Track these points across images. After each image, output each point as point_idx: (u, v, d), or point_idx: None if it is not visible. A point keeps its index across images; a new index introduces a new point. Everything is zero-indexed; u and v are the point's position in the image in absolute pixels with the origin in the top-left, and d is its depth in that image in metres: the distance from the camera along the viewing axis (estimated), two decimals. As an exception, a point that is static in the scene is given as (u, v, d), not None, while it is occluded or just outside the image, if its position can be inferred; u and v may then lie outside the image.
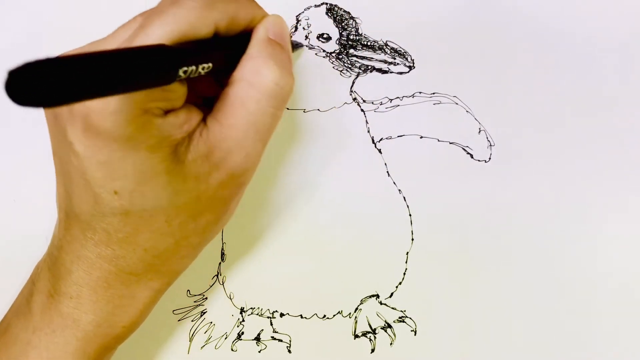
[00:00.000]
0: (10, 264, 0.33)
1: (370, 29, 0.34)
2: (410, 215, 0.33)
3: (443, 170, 0.34)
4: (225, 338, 0.34)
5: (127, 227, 0.25)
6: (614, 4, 0.34)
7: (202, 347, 0.34)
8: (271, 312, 0.34)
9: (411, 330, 0.33)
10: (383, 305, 0.33)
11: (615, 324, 0.33)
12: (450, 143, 0.34)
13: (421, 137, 0.34)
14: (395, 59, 0.34)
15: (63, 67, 0.15)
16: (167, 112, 0.24)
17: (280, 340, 0.34)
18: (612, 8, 0.34)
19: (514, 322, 0.33)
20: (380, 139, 0.34)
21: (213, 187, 0.25)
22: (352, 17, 0.34)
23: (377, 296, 0.34)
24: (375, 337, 0.33)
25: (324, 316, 0.33)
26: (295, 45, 0.33)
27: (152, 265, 0.26)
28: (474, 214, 0.33)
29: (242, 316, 0.34)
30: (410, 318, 0.33)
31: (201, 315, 0.34)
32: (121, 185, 0.23)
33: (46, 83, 0.15)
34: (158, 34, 0.22)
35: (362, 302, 0.34)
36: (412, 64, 0.34)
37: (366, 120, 0.34)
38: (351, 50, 0.33)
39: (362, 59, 0.34)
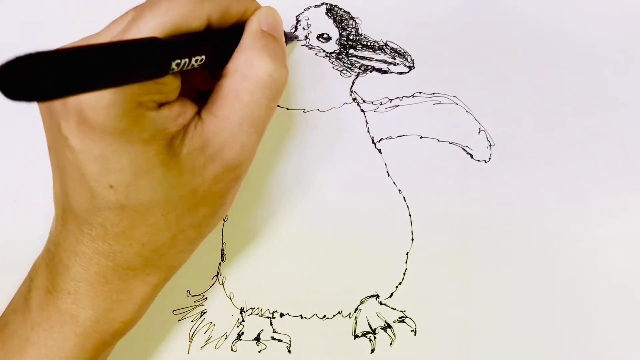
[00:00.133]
0: (10, 264, 0.33)
1: (370, 29, 0.34)
2: (410, 215, 0.33)
3: (443, 170, 0.34)
4: (225, 338, 0.34)
5: (124, 221, 0.25)
6: (614, 4, 0.34)
7: (202, 347, 0.34)
8: (271, 312, 0.34)
9: (411, 330, 0.33)
10: (383, 305, 0.33)
11: (615, 324, 0.33)
12: (450, 143, 0.34)
13: (421, 137, 0.34)
14: (395, 59, 0.34)
15: (55, 61, 0.15)
16: (161, 105, 0.24)
17: (280, 341, 0.34)
18: (612, 8, 0.34)
19: (514, 322, 0.33)
20: (380, 139, 0.34)
21: (209, 180, 0.25)
22: (352, 17, 0.34)
23: (377, 296, 0.33)
24: (375, 337, 0.33)
25: (324, 316, 0.33)
26: (289, 38, 0.33)
27: (149, 259, 0.26)
28: (474, 214, 0.33)
29: (242, 316, 0.34)
30: (410, 318, 0.33)
31: (201, 315, 0.34)
32: (117, 179, 0.23)
33: (38, 77, 0.15)
34: (150, 27, 0.22)
35: (362, 302, 0.34)
36: (412, 64, 0.34)
37: (366, 120, 0.34)
38: (351, 50, 0.33)
39: (362, 59, 0.34)
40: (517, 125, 0.34)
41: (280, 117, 0.34)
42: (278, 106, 0.33)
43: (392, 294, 0.33)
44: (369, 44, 0.34)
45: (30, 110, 0.33)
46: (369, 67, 0.34)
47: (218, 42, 0.25)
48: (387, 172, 0.34)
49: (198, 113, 0.26)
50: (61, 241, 0.26)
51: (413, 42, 0.34)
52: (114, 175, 0.23)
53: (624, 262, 0.33)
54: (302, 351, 0.33)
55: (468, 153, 0.34)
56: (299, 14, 0.34)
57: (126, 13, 0.24)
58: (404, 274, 0.33)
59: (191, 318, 0.34)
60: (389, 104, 0.34)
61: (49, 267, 0.27)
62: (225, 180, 0.26)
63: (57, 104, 0.23)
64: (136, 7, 0.24)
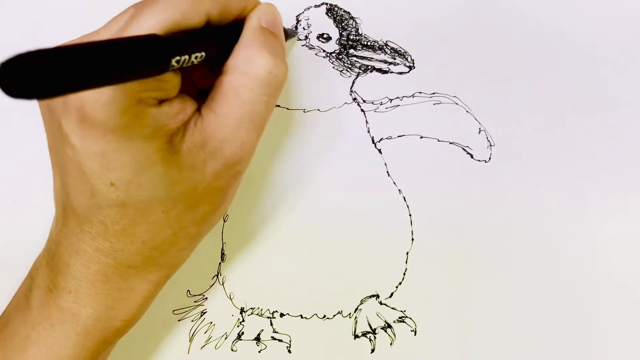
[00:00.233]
0: (10, 264, 0.33)
1: (370, 29, 0.34)
2: (410, 215, 0.33)
3: (443, 170, 0.34)
4: (225, 338, 0.34)
5: (124, 219, 0.25)
6: (614, 4, 0.34)
7: (202, 347, 0.34)
8: (271, 312, 0.34)
9: (411, 330, 0.33)
10: (383, 305, 0.33)
11: (615, 324, 0.33)
12: (450, 143, 0.34)
13: (421, 137, 0.34)
14: (395, 59, 0.34)
15: (55, 59, 0.15)
16: (161, 102, 0.24)
17: (280, 341, 0.34)
18: (612, 8, 0.34)
19: (514, 322, 0.33)
20: (380, 139, 0.34)
21: (209, 176, 0.25)
22: (352, 17, 0.34)
23: (377, 296, 0.33)
24: (375, 337, 0.33)
25: (324, 316, 0.33)
26: (289, 34, 0.33)
27: (150, 257, 0.26)
28: (474, 214, 0.33)
29: (242, 316, 0.34)
30: (410, 318, 0.33)
31: (201, 315, 0.34)
32: (117, 177, 0.23)
33: (39, 75, 0.15)
34: (150, 24, 0.22)
35: (362, 302, 0.34)
36: (412, 64, 0.34)
37: (366, 120, 0.34)
38: (351, 50, 0.33)
39: (362, 59, 0.34)
40: (517, 125, 0.34)
41: (280, 117, 0.34)
42: (278, 106, 0.33)
43: (392, 294, 0.33)
44: (369, 44, 0.34)
45: (30, 111, 0.33)
46: (369, 67, 0.34)
47: (218, 38, 0.25)
48: (387, 172, 0.34)
49: (198, 110, 0.26)
50: (62, 240, 0.26)
51: (413, 42, 0.34)
52: (114, 172, 0.23)
53: (624, 262, 0.33)
54: (302, 351, 0.33)
55: (468, 153, 0.34)
56: (299, 14, 0.34)
57: (125, 11, 0.24)
58: (404, 274, 0.33)
59: (191, 318, 0.34)
60: (389, 104, 0.34)
61: (50, 265, 0.27)
62: (226, 177, 0.26)
63: (58, 102, 0.23)
64: (135, 4, 0.24)
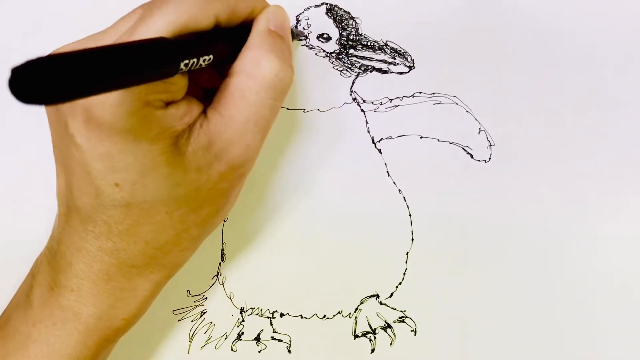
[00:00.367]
0: (10, 264, 0.33)
1: (370, 29, 0.34)
2: (410, 215, 0.33)
3: (443, 170, 0.34)
4: (225, 338, 0.34)
5: (128, 219, 0.25)
6: (614, 4, 0.34)
7: (202, 347, 0.34)
8: (271, 312, 0.34)
9: (411, 330, 0.33)
10: (383, 305, 0.33)
11: (615, 324, 0.33)
12: (450, 143, 0.34)
13: (421, 137, 0.34)
14: (395, 59, 0.34)
15: (66, 64, 0.15)
16: (167, 104, 0.24)
17: (280, 341, 0.34)
18: (612, 8, 0.34)
19: (514, 322, 0.33)
20: (380, 139, 0.34)
21: (213, 178, 0.25)
22: (352, 17, 0.34)
23: (377, 296, 0.33)
24: (375, 337, 0.33)
25: (324, 316, 0.33)
26: (296, 35, 0.33)
27: (153, 257, 0.26)
28: (474, 214, 0.33)
29: (242, 316, 0.34)
30: (410, 318, 0.33)
31: (201, 315, 0.34)
32: (122, 178, 0.23)
33: (49, 80, 0.15)
34: (159, 26, 0.22)
35: (362, 302, 0.34)
36: (412, 64, 0.34)
37: (366, 120, 0.34)
38: (351, 50, 0.33)
39: (362, 59, 0.34)
40: (517, 125, 0.34)
41: (280, 117, 0.33)
42: (278, 106, 0.33)
43: (392, 294, 0.33)
44: (369, 44, 0.34)
45: (30, 111, 0.33)
46: (369, 67, 0.34)
47: (226, 41, 0.25)
48: (387, 172, 0.34)
49: (204, 112, 0.26)
50: (64, 238, 0.26)
51: (413, 42, 0.34)
52: (119, 173, 0.23)
53: (623, 262, 0.33)
54: (302, 351, 0.33)
55: (468, 153, 0.34)
56: (299, 14, 0.34)
57: (134, 11, 0.24)
58: (404, 274, 0.33)
59: (191, 318, 0.34)
60: (389, 104, 0.34)
61: (52, 264, 0.27)
62: (230, 179, 0.26)
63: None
64: (144, 5, 0.24)
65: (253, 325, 0.34)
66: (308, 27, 0.33)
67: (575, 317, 0.33)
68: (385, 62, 0.34)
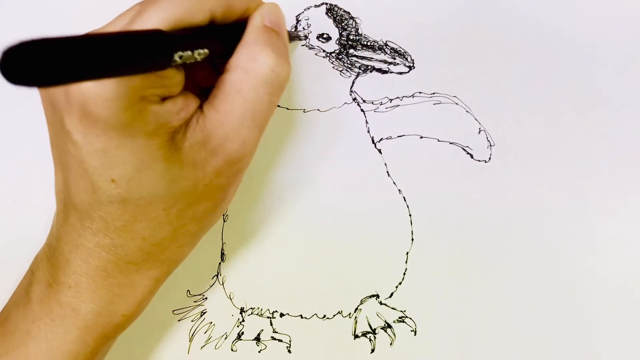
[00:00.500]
0: (10, 264, 0.33)
1: (370, 29, 0.34)
2: (410, 215, 0.33)
3: (443, 170, 0.34)
4: (225, 338, 0.34)
5: (125, 215, 0.25)
6: (614, 4, 0.34)
7: (202, 347, 0.34)
8: (271, 312, 0.34)
9: (411, 330, 0.33)
10: (383, 305, 0.33)
11: (615, 324, 0.33)
12: (450, 143, 0.34)
13: (421, 137, 0.34)
14: (395, 59, 0.34)
15: (58, 47, 0.15)
16: (164, 99, 0.24)
17: (280, 340, 0.34)
18: (612, 8, 0.34)
19: (514, 322, 0.33)
20: (380, 139, 0.34)
21: (210, 174, 0.25)
22: (352, 17, 0.34)
23: (377, 296, 0.33)
24: (375, 337, 0.33)
25: (324, 316, 0.33)
26: (292, 37, 0.33)
27: (150, 254, 0.26)
28: (474, 214, 0.33)
29: (242, 316, 0.34)
30: (410, 318, 0.33)
31: (201, 315, 0.34)
32: (119, 173, 0.23)
33: (41, 62, 0.15)
34: (154, 21, 0.22)
35: (362, 302, 0.34)
36: (412, 64, 0.34)
37: (366, 120, 0.34)
38: (351, 50, 0.33)
39: (362, 59, 0.34)
40: (517, 125, 0.34)
41: (280, 117, 0.34)
42: (278, 106, 0.33)
43: (392, 294, 0.33)
44: (369, 44, 0.34)
45: (31, 110, 0.33)
46: (369, 67, 0.34)
47: (221, 37, 0.26)
48: (387, 172, 0.34)
49: (200, 107, 0.26)
50: (62, 235, 0.26)
51: (413, 42, 0.34)
52: (116, 169, 0.23)
53: (623, 262, 0.33)
54: (302, 351, 0.33)
55: (468, 153, 0.34)
56: (299, 14, 0.34)
57: (131, 8, 0.25)
58: (404, 274, 0.33)
59: (191, 318, 0.34)
60: (389, 104, 0.34)
61: (50, 260, 0.27)
62: (227, 175, 0.26)
63: (60, 98, 0.23)
64: (141, 2, 0.24)
65: (253, 325, 0.34)
66: (308, 27, 0.33)
67: (575, 317, 0.33)
68: (385, 62, 0.34)
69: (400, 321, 0.33)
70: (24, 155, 0.34)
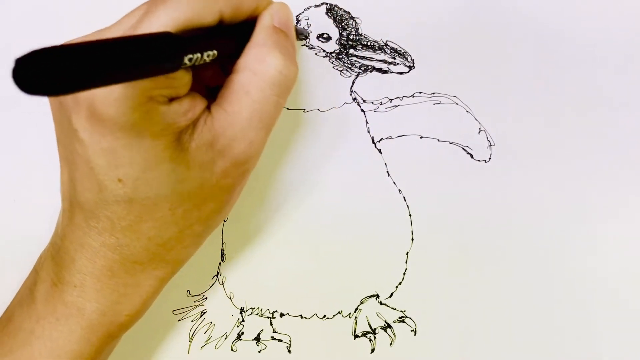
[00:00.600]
0: (10, 264, 0.33)
1: (370, 29, 0.34)
2: (410, 215, 0.33)
3: (443, 170, 0.34)
4: (225, 338, 0.34)
5: (131, 215, 0.25)
6: (614, 4, 0.34)
7: (202, 347, 0.34)
8: (271, 312, 0.34)
9: (411, 330, 0.33)
10: (383, 305, 0.33)
11: (615, 324, 0.33)
12: (450, 143, 0.34)
13: (421, 137, 0.34)
14: (395, 59, 0.34)
15: (70, 55, 0.15)
16: (171, 99, 0.24)
17: (280, 340, 0.34)
18: (612, 8, 0.34)
19: (514, 322, 0.33)
20: (380, 139, 0.34)
21: (217, 175, 0.25)
22: (352, 17, 0.34)
23: (377, 296, 0.33)
24: (375, 337, 0.33)
25: (324, 316, 0.33)
26: (300, 33, 0.33)
27: (156, 254, 0.26)
28: (474, 213, 0.33)
29: (242, 316, 0.34)
30: (410, 318, 0.33)
31: (201, 315, 0.34)
32: (125, 173, 0.23)
33: (53, 71, 0.15)
34: (163, 22, 0.22)
35: (362, 302, 0.34)
36: (412, 64, 0.34)
37: (366, 120, 0.34)
38: (351, 50, 0.33)
39: (362, 59, 0.34)
40: (517, 125, 0.34)
41: (281, 117, 0.33)
42: (278, 106, 0.33)
43: (392, 294, 0.33)
44: (369, 43, 0.34)
45: (31, 110, 0.33)
46: (369, 67, 0.34)
47: (230, 37, 0.25)
48: (387, 172, 0.34)
49: (208, 108, 0.26)
50: (68, 234, 0.26)
51: (413, 42, 0.34)
52: (122, 168, 0.23)
53: (623, 262, 0.33)
54: (302, 351, 0.33)
55: (468, 153, 0.34)
56: (299, 14, 0.34)
57: (138, 7, 0.25)
58: (404, 274, 0.33)
59: (191, 318, 0.34)
60: (389, 104, 0.34)
61: (55, 259, 0.27)
62: (233, 176, 0.26)
63: (68, 98, 0.23)
64: (148, 1, 0.24)
65: (253, 325, 0.34)
66: (308, 27, 0.34)
67: (575, 317, 0.33)
68: (385, 62, 0.34)
69: (400, 321, 0.33)
70: (24, 155, 0.34)
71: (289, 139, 0.34)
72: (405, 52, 0.34)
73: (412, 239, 0.33)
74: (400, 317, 0.33)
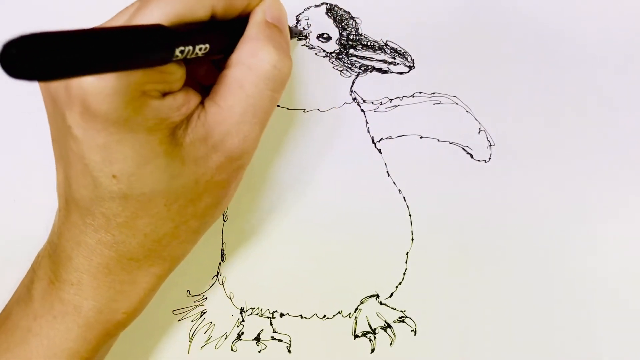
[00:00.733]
0: (10, 264, 0.33)
1: (370, 29, 0.34)
2: (410, 215, 0.33)
3: (443, 170, 0.34)
4: (225, 338, 0.34)
5: (126, 211, 0.25)
6: (614, 4, 0.34)
7: (202, 347, 0.34)
8: (271, 312, 0.34)
9: (411, 330, 0.33)
10: (383, 305, 0.33)
11: (615, 324, 0.33)
12: (450, 143, 0.34)
13: (421, 137, 0.34)
14: (395, 59, 0.34)
15: (59, 41, 0.15)
16: (165, 94, 0.24)
17: (280, 340, 0.34)
18: (612, 8, 0.34)
19: (514, 322, 0.33)
20: (380, 139, 0.34)
21: (211, 170, 0.25)
22: (352, 17, 0.34)
23: (377, 296, 0.33)
24: (375, 337, 0.33)
25: (324, 316, 0.33)
26: (294, 33, 0.33)
27: (152, 250, 0.26)
28: (474, 214, 0.33)
29: (242, 316, 0.34)
30: (410, 318, 0.33)
31: (201, 315, 0.34)
32: (119, 169, 0.23)
33: (41, 56, 0.15)
34: (155, 16, 0.22)
35: (362, 302, 0.34)
36: (412, 64, 0.34)
37: (366, 120, 0.34)
38: (351, 50, 0.33)
39: (362, 59, 0.34)
40: (517, 125, 0.34)
41: (280, 117, 0.34)
42: (278, 106, 0.33)
43: (392, 294, 0.33)
44: (369, 43, 0.34)
45: (31, 110, 0.33)
46: (369, 67, 0.34)
47: (222, 32, 0.25)
48: (387, 172, 0.34)
49: (201, 103, 0.26)
50: (64, 232, 0.26)
51: (413, 42, 0.34)
52: (116, 165, 0.23)
53: (623, 262, 0.33)
54: (302, 351, 0.33)
55: (468, 153, 0.34)
56: (299, 14, 0.34)
57: (132, 4, 0.25)
58: (404, 274, 0.33)
59: (191, 318, 0.34)
60: (389, 104, 0.34)
61: (52, 258, 0.27)
62: (228, 171, 0.26)
63: (61, 94, 0.23)
64: None
65: (253, 325, 0.34)
66: (308, 27, 0.34)
67: (575, 317, 0.33)
68: (385, 62, 0.34)
69: (400, 321, 0.33)
70: (24, 155, 0.34)
71: (289, 139, 0.34)
72: (405, 52, 0.34)
73: (412, 239, 0.33)
74: (400, 317, 0.33)
